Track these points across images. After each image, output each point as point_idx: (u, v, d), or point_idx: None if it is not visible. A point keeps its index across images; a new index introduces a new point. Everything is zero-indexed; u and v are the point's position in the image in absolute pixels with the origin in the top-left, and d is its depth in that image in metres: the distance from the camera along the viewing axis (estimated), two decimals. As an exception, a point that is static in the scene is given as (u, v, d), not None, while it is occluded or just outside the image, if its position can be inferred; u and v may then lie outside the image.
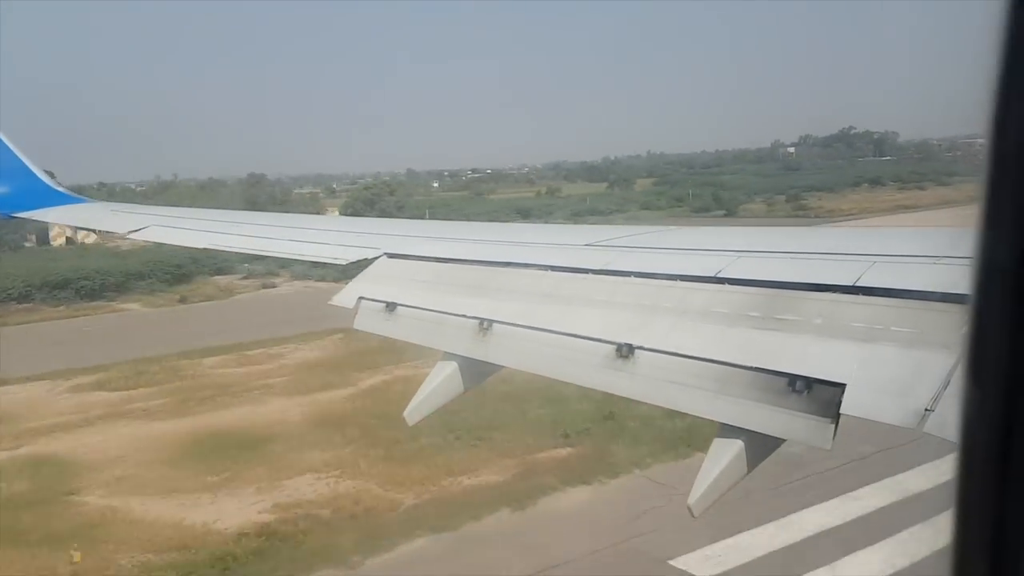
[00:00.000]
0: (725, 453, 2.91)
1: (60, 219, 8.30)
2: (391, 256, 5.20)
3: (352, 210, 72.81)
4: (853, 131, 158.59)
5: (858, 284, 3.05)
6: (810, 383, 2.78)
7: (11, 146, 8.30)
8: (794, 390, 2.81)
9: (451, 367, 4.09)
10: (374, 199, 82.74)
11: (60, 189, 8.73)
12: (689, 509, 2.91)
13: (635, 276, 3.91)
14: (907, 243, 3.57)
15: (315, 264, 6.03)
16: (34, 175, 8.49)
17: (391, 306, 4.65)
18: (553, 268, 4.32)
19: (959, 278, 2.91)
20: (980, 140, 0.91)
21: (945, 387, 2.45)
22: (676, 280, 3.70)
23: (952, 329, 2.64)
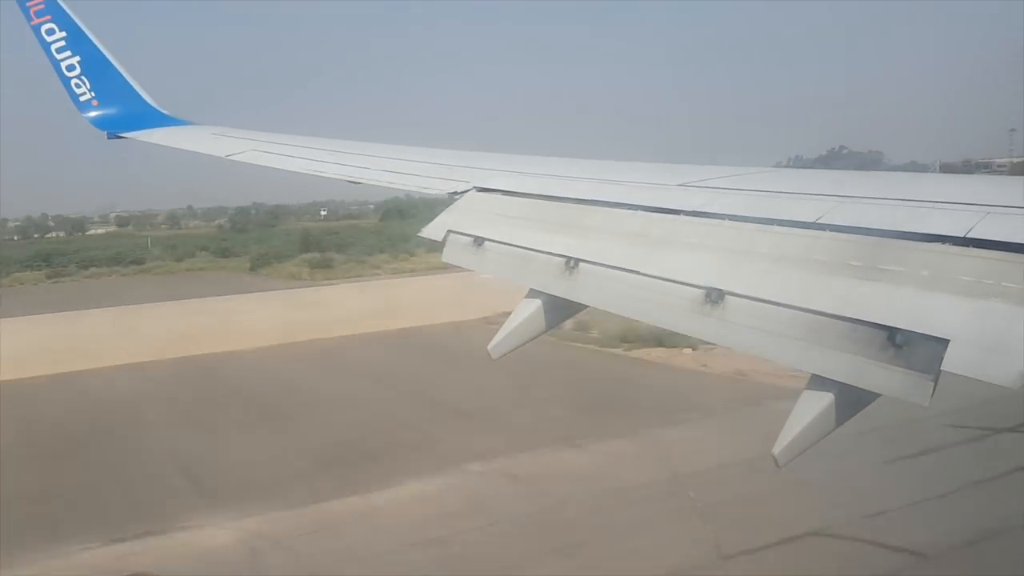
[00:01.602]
0: (814, 405, 2.83)
1: (163, 140, 8.52)
2: (481, 190, 5.18)
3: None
4: (845, 151, 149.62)
5: (969, 236, 2.88)
6: (911, 337, 2.66)
7: (118, 66, 8.54)
8: (893, 344, 2.69)
9: (536, 304, 4.07)
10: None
11: (165, 112, 8.96)
12: (774, 459, 2.85)
13: (729, 219, 3.79)
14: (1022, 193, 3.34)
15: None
16: (139, 96, 8.73)
17: (478, 240, 4.64)
18: (645, 208, 4.22)
19: None
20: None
21: None
22: (773, 225, 3.56)
23: None
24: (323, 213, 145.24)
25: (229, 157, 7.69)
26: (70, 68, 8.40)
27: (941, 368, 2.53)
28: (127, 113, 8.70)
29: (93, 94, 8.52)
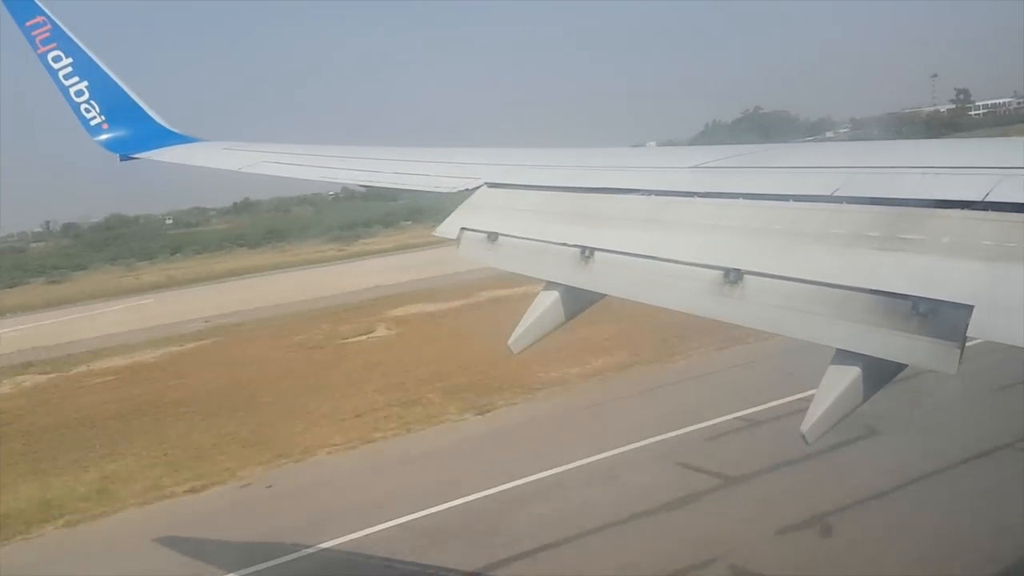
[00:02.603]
0: (841, 380, 2.80)
1: (175, 159, 8.56)
2: (492, 185, 5.18)
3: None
4: (761, 111, 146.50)
5: (988, 199, 2.84)
6: (935, 305, 2.63)
7: (126, 88, 8.60)
8: (917, 313, 2.66)
9: (553, 296, 4.06)
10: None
11: (174, 130, 9.03)
12: (803, 437, 2.83)
13: (744, 198, 3.76)
14: None
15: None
16: (149, 117, 8.78)
17: (492, 236, 4.63)
18: (657, 192, 4.20)
19: None
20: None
21: None
22: (788, 200, 3.53)
23: None
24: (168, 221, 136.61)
25: (242, 170, 7.74)
26: (79, 93, 8.47)
27: (967, 335, 2.50)
28: (138, 134, 8.76)
29: (103, 117, 8.59)
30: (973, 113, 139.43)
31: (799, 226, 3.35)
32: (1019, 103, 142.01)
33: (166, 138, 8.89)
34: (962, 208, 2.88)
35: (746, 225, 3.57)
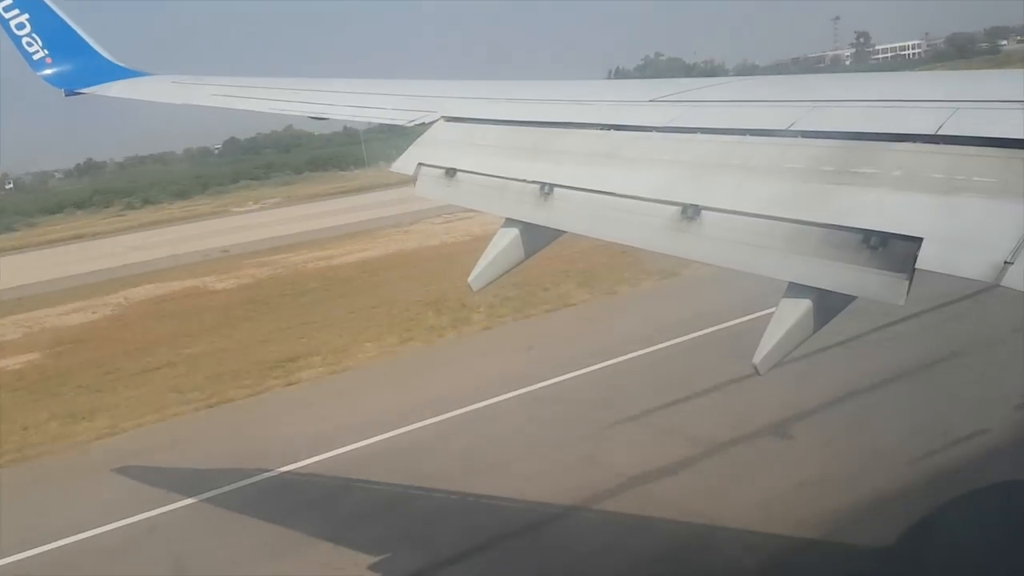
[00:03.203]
0: (793, 312, 2.86)
1: (122, 92, 8.29)
2: (449, 119, 5.11)
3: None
4: (662, 57, 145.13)
5: (940, 133, 2.88)
6: (885, 238, 2.68)
7: (69, 21, 8.27)
8: (868, 246, 2.71)
9: (513, 233, 4.06)
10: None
11: (121, 64, 8.73)
12: (755, 367, 2.90)
13: (702, 132, 3.77)
14: (994, 87, 3.33)
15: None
16: (93, 50, 8.47)
17: (450, 172, 4.59)
18: (616, 127, 4.19)
19: None
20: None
21: None
22: (745, 135, 3.55)
23: None
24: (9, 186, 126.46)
25: (190, 103, 7.56)
26: (20, 27, 8.14)
27: (915, 266, 2.56)
28: (83, 68, 8.46)
29: (46, 52, 8.28)
30: (877, 58, 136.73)
31: (755, 161, 3.37)
32: (930, 45, 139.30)
33: (113, 72, 8.59)
34: (915, 141, 2.92)
35: (703, 160, 3.58)
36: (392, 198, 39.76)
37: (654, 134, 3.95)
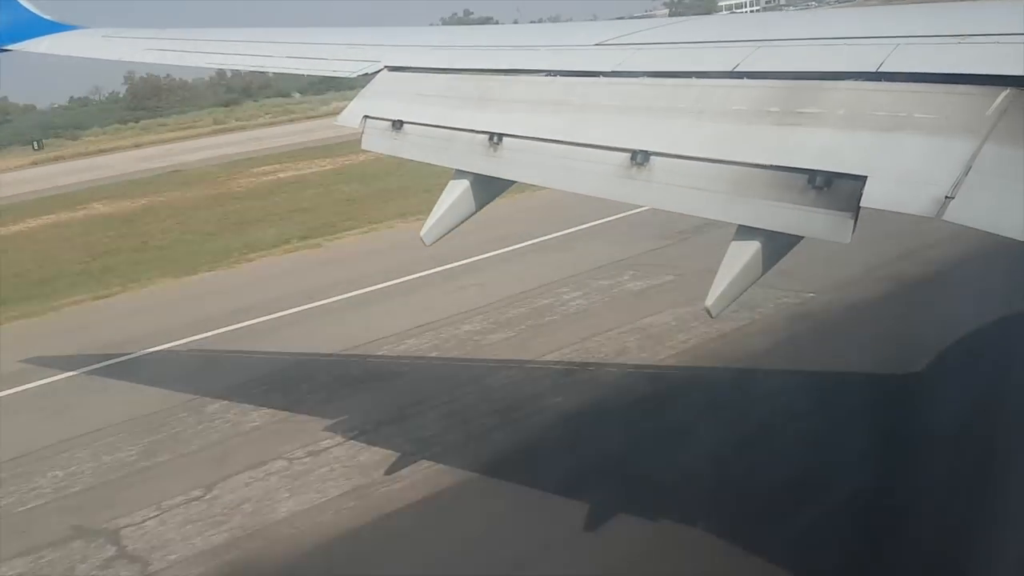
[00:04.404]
0: (742, 255, 2.89)
1: (51, 49, 7.93)
2: (392, 69, 5.01)
3: None
4: (471, 15, 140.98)
5: (881, 70, 2.91)
6: (830, 178, 2.71)
7: (-11, -25, 7.89)
8: (813, 186, 2.75)
9: (463, 185, 4.02)
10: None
11: (47, 17, 8.37)
12: (707, 311, 2.93)
13: (648, 76, 3.76)
14: (933, 22, 3.36)
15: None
16: (19, 5, 8.10)
17: (397, 124, 4.52)
18: (563, 72, 4.15)
19: (987, 56, 2.76)
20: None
21: (966, 173, 2.39)
22: (692, 78, 3.55)
23: (976, 112, 2.53)
24: None
25: (122, 59, 7.31)
26: None
27: (860, 204, 2.60)
28: (7, 24, 8.10)
29: None
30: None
31: (702, 104, 3.37)
32: (768, 3, 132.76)
33: (39, 27, 8.24)
34: (857, 79, 2.95)
35: (651, 105, 3.58)
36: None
37: (601, 79, 3.93)
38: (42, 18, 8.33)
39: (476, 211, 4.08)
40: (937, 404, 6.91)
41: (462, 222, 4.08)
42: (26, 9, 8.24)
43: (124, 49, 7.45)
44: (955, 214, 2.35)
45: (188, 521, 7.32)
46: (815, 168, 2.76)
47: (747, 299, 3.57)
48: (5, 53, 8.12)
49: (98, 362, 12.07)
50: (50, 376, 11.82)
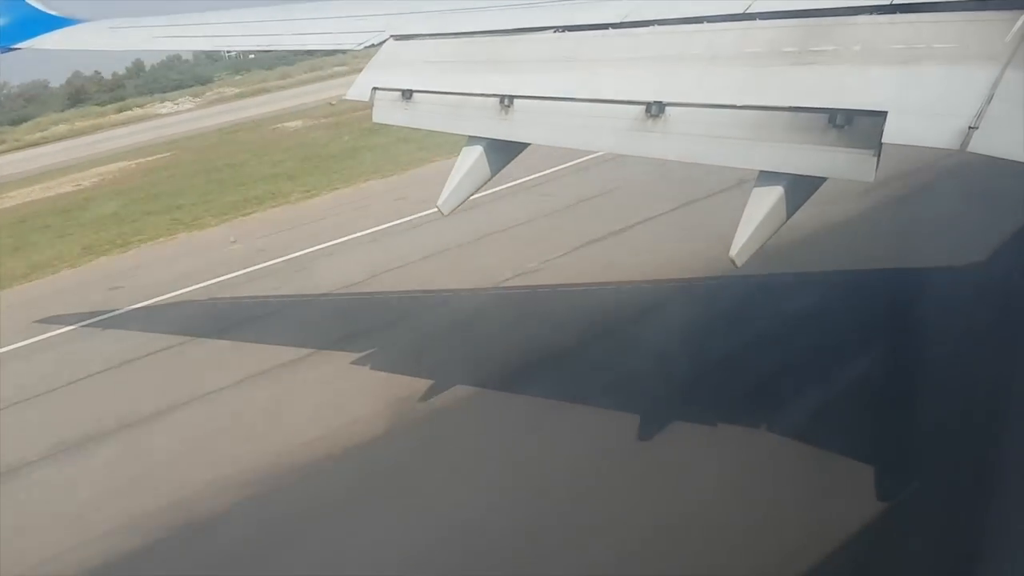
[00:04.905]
0: (765, 201, 2.85)
1: (59, 44, 7.95)
2: (398, 38, 4.95)
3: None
4: None
5: (895, 2, 2.82)
6: (850, 115, 2.66)
7: (-8, -25, 7.88)
8: (834, 125, 2.69)
9: (477, 151, 3.99)
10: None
11: (52, 12, 8.35)
12: (732, 260, 2.90)
13: (658, 24, 3.68)
14: None
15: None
16: (23, 2, 8.10)
17: (407, 93, 4.48)
18: (569, 28, 4.08)
19: None
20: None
21: (988, 102, 2.33)
22: (703, 23, 3.47)
23: (996, 38, 2.46)
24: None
25: (130, 49, 7.31)
26: None
27: (882, 141, 2.54)
28: (15, 22, 8.11)
29: None
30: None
31: (714, 49, 3.30)
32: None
33: (46, 23, 8.24)
34: (871, 14, 2.87)
35: (662, 54, 3.51)
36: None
37: (610, 31, 3.85)
38: (47, 13, 8.33)
39: (491, 177, 4.05)
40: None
41: (478, 189, 4.06)
42: (30, 5, 8.23)
43: (133, 38, 7.45)
44: (980, 145, 2.30)
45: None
46: (834, 107, 2.71)
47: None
48: (13, 52, 8.15)
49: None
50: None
